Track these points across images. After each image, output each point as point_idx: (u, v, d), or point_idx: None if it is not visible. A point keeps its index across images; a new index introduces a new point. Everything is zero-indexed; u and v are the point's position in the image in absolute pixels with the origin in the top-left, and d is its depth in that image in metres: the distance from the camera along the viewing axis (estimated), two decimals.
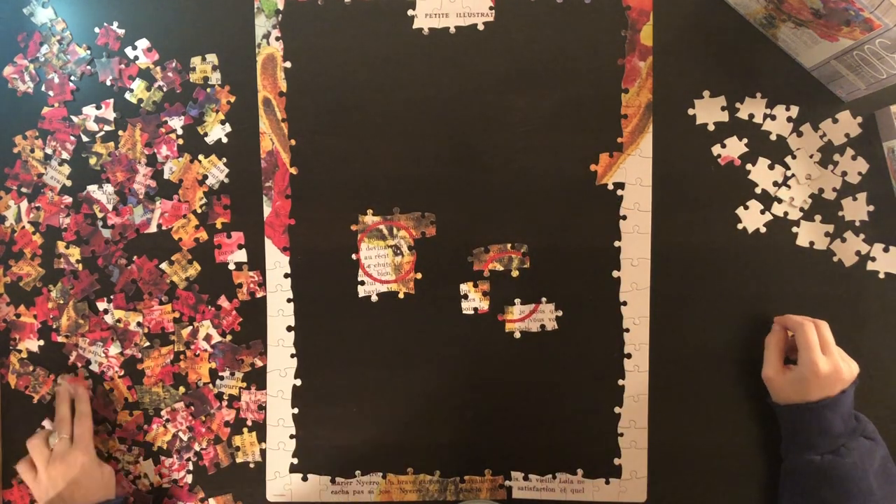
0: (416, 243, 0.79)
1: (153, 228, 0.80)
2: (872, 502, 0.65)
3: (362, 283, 0.79)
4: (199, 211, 0.79)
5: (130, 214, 0.80)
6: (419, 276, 0.79)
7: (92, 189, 0.80)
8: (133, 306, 0.80)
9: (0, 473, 0.81)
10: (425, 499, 0.79)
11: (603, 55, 0.78)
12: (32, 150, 0.80)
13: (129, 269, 0.80)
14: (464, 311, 0.78)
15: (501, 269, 0.78)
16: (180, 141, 0.80)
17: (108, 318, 0.80)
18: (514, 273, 0.78)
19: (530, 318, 0.78)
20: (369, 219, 0.79)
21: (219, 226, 0.80)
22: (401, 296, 0.79)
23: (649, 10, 0.77)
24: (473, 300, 0.78)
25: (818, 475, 0.67)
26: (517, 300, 0.78)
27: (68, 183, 0.80)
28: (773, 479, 0.64)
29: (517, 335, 0.78)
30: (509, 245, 0.78)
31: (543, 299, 0.78)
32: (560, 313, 0.78)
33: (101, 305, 0.80)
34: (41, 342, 0.80)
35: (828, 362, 0.68)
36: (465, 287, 0.78)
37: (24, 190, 0.80)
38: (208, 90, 0.79)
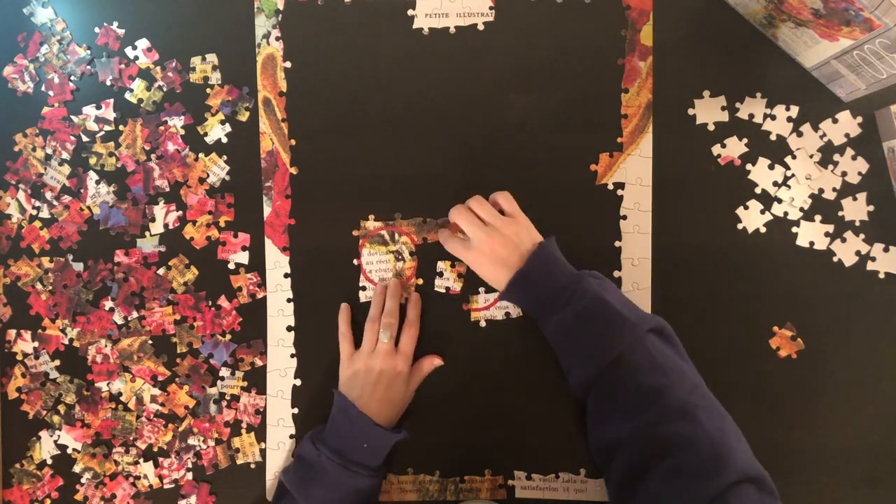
0: (418, 249, 0.79)
1: (159, 229, 0.80)
2: (628, 325, 0.64)
3: (363, 288, 0.79)
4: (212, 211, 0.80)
5: (132, 213, 0.80)
6: (420, 281, 0.79)
7: (93, 188, 0.80)
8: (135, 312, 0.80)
9: (0, 473, 0.81)
10: (425, 499, 0.78)
11: (603, 55, 0.78)
12: (34, 149, 0.80)
13: (127, 284, 0.80)
14: (435, 288, 0.78)
15: None
16: (182, 131, 0.80)
17: (116, 318, 0.80)
18: None
19: (494, 305, 0.78)
20: (371, 224, 0.79)
21: (222, 224, 0.80)
22: (402, 301, 0.79)
23: (649, 10, 0.78)
24: (448, 279, 0.78)
25: (567, 327, 0.67)
26: (481, 289, 0.78)
27: (68, 183, 0.80)
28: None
29: (482, 324, 0.78)
30: None
31: None
32: None
33: (107, 304, 0.80)
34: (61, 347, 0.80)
35: (492, 227, 0.70)
36: (441, 265, 0.78)
37: (22, 187, 0.80)
38: (243, 89, 0.79)
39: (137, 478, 0.80)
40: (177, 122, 0.80)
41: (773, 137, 0.77)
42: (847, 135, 0.77)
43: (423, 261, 0.79)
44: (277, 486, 0.73)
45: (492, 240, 0.70)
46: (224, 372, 0.79)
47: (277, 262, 0.79)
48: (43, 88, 0.81)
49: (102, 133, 0.80)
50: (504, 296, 0.72)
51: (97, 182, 0.80)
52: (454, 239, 0.74)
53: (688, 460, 0.57)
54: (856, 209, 0.76)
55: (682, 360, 0.65)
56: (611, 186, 0.78)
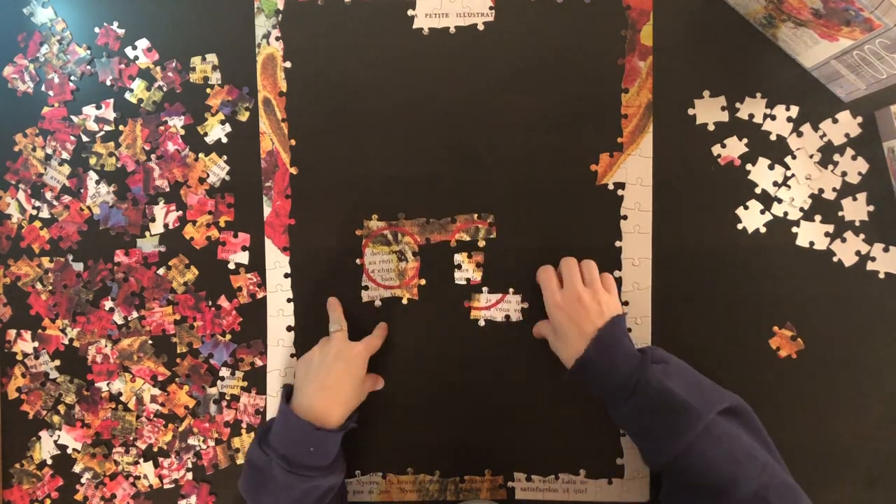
0: (421, 249, 0.79)
1: (160, 229, 0.80)
2: (695, 414, 0.63)
3: (366, 287, 0.79)
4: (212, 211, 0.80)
5: (134, 213, 0.80)
6: (423, 281, 0.79)
7: (93, 189, 0.80)
8: (135, 312, 0.80)
9: (0, 473, 0.80)
10: (425, 499, 0.78)
11: (603, 55, 0.78)
12: (34, 149, 0.80)
13: (127, 284, 0.80)
14: (456, 282, 0.78)
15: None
16: (182, 131, 0.80)
17: (116, 318, 0.80)
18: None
19: (496, 306, 0.78)
20: (374, 224, 0.79)
21: (222, 224, 0.80)
22: (404, 301, 0.79)
23: (649, 10, 0.78)
24: (467, 270, 0.78)
25: (634, 417, 0.67)
26: (485, 288, 0.78)
27: (68, 183, 0.80)
28: None
29: (481, 323, 0.78)
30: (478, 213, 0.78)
31: (510, 290, 0.78)
32: (526, 305, 0.78)
33: (107, 304, 0.80)
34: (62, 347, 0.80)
35: (565, 293, 0.70)
36: (459, 257, 0.78)
37: (22, 187, 0.80)
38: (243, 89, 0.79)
39: (137, 478, 0.80)
40: (177, 122, 0.80)
41: (773, 137, 0.77)
42: (847, 135, 0.77)
43: (426, 261, 0.79)
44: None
45: (568, 306, 0.70)
46: (224, 372, 0.79)
47: (277, 262, 0.79)
48: (43, 88, 0.81)
49: (102, 133, 0.80)
50: (570, 378, 0.71)
51: (97, 182, 0.80)
52: (552, 279, 0.73)
53: None
54: (856, 209, 0.76)
55: (752, 439, 0.65)
56: (611, 186, 0.78)
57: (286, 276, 0.79)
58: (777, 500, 0.60)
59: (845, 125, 0.77)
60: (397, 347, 0.78)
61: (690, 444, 0.63)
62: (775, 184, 0.77)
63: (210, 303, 0.79)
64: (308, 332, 0.79)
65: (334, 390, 0.70)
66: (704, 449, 0.63)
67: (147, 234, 0.80)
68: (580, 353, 0.68)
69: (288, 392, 0.72)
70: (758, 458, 0.63)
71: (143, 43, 0.80)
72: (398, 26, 0.79)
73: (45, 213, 0.80)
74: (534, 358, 0.77)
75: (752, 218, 0.77)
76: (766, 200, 0.77)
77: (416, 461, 0.79)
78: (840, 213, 0.77)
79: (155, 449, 0.80)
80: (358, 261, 0.79)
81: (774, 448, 0.66)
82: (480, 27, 0.78)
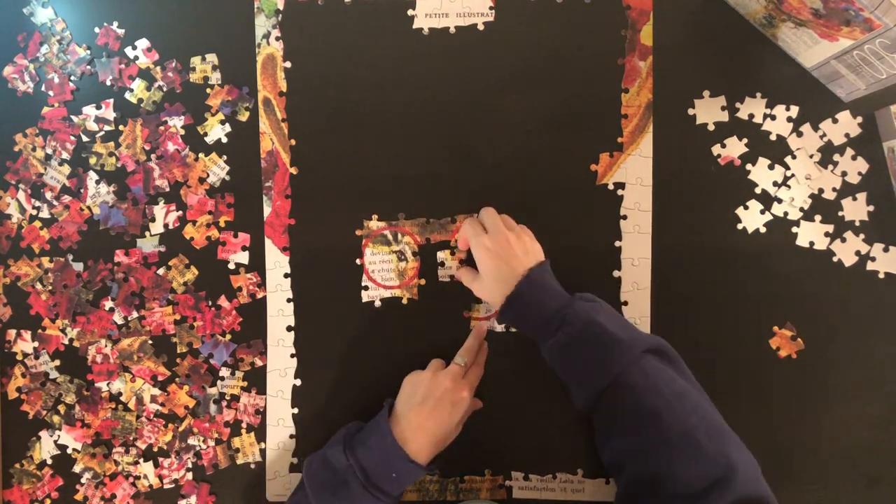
0: (421, 249, 0.79)
1: (159, 229, 0.80)
2: (624, 348, 0.63)
3: (366, 287, 0.79)
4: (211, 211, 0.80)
5: (134, 213, 0.80)
6: (423, 282, 0.79)
7: (93, 188, 0.80)
8: (135, 312, 0.80)
9: (0, 473, 0.81)
10: (425, 499, 0.78)
11: (603, 55, 0.78)
12: (34, 149, 0.80)
13: (127, 284, 0.80)
14: (439, 279, 0.78)
15: None
16: (182, 131, 0.80)
17: (116, 318, 0.80)
18: None
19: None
20: (374, 224, 0.79)
21: (222, 224, 0.80)
22: (404, 301, 0.79)
23: (649, 10, 0.78)
24: (450, 268, 0.78)
25: (562, 351, 0.66)
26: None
27: (68, 183, 0.80)
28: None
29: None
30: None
31: None
32: None
33: (107, 304, 0.80)
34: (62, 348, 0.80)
35: (493, 237, 0.71)
36: (441, 255, 0.78)
37: (22, 187, 0.80)
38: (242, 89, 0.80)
39: (137, 478, 0.80)
40: (177, 122, 0.80)
41: (773, 137, 0.77)
42: (847, 135, 0.77)
43: (426, 261, 0.79)
44: (301, 479, 0.72)
45: (497, 248, 0.70)
46: (224, 372, 0.79)
47: (277, 262, 0.79)
48: (43, 88, 0.81)
49: (102, 133, 0.80)
50: (499, 317, 0.73)
51: (97, 182, 0.80)
52: (476, 224, 0.74)
53: (689, 483, 0.57)
54: (856, 209, 0.76)
55: (683, 380, 0.65)
56: (611, 186, 0.78)
57: (286, 276, 0.79)
58: (705, 438, 0.59)
59: (845, 125, 0.77)
60: (397, 348, 0.78)
61: (616, 378, 0.63)
62: (775, 184, 0.77)
63: (210, 303, 0.80)
64: (308, 332, 0.79)
65: (432, 433, 0.70)
66: (631, 383, 0.62)
67: (147, 234, 0.80)
68: (511, 290, 0.69)
69: (390, 406, 0.72)
70: (689, 397, 0.62)
71: (143, 43, 0.80)
72: (398, 26, 0.79)
73: (45, 213, 0.80)
74: (534, 357, 0.77)
75: (752, 218, 0.77)
76: (766, 200, 0.77)
77: None
78: (840, 213, 0.77)
79: (155, 449, 0.80)
80: (358, 261, 0.79)
81: (705, 394, 0.65)
82: (480, 27, 0.78)
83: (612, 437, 0.64)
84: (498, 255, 0.70)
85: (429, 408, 0.70)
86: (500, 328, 0.78)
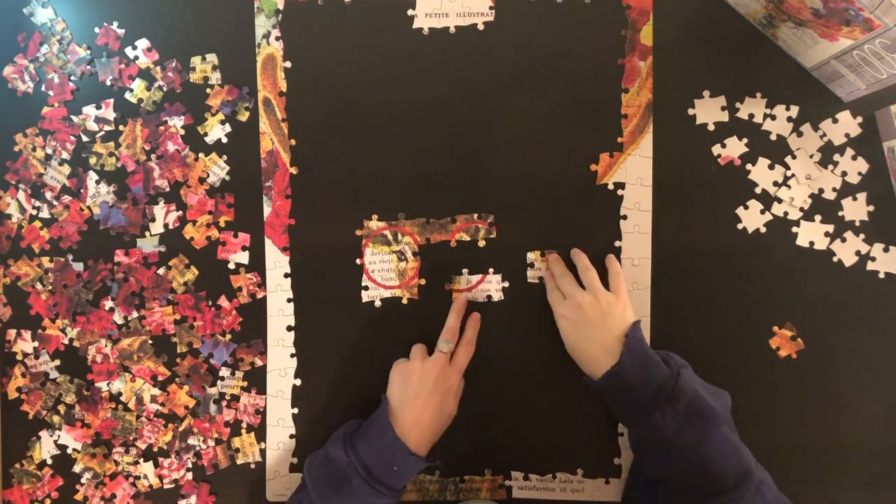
0: (421, 249, 0.79)
1: (160, 229, 0.80)
2: (719, 420, 0.65)
3: (366, 287, 0.79)
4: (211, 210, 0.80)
5: (134, 213, 0.80)
6: (423, 281, 0.79)
7: (93, 188, 0.80)
8: (136, 311, 0.80)
9: (0, 473, 0.81)
10: (425, 499, 0.78)
11: (603, 55, 0.78)
12: (34, 149, 0.80)
13: (127, 284, 0.80)
14: (528, 280, 0.78)
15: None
16: (182, 131, 0.80)
17: (116, 318, 0.80)
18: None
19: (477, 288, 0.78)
20: (374, 224, 0.79)
21: (222, 224, 0.80)
22: (404, 301, 0.79)
23: (649, 10, 0.78)
24: (539, 269, 0.78)
25: (664, 426, 0.65)
26: (465, 269, 0.78)
27: (68, 183, 0.80)
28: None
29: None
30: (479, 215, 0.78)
31: (490, 270, 0.78)
32: (507, 284, 0.78)
33: (107, 304, 0.80)
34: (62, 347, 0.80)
35: (588, 294, 0.71)
36: (531, 255, 0.78)
37: (22, 187, 0.80)
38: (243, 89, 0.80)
39: (137, 478, 0.80)
40: (177, 122, 0.80)
41: (773, 137, 0.77)
42: (847, 135, 0.77)
43: (426, 261, 0.79)
44: (302, 478, 0.72)
45: (586, 309, 0.71)
46: (224, 372, 0.79)
47: (277, 262, 0.79)
48: (43, 88, 0.81)
49: (102, 133, 0.80)
50: (594, 385, 0.71)
51: (97, 182, 0.80)
52: (555, 290, 0.75)
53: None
54: (856, 209, 0.76)
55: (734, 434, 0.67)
56: (611, 186, 0.78)
57: (286, 276, 0.79)
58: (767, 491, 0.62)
59: (845, 125, 0.77)
60: (397, 347, 0.78)
61: (707, 449, 0.63)
62: (775, 184, 0.77)
63: (210, 303, 0.80)
64: (308, 333, 0.79)
65: (429, 425, 0.70)
66: (716, 450, 0.63)
67: (147, 234, 0.80)
68: (609, 362, 0.68)
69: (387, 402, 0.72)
70: (753, 469, 0.64)
71: (143, 43, 0.80)
72: (398, 26, 0.79)
73: (45, 213, 0.80)
74: (534, 357, 0.77)
75: (752, 218, 0.77)
76: (766, 200, 0.77)
77: None
78: (840, 213, 0.77)
79: (155, 449, 0.80)
80: (358, 261, 0.79)
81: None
82: (480, 27, 0.78)
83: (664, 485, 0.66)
84: (576, 323, 0.71)
85: (422, 401, 0.70)
86: (481, 299, 0.78)
